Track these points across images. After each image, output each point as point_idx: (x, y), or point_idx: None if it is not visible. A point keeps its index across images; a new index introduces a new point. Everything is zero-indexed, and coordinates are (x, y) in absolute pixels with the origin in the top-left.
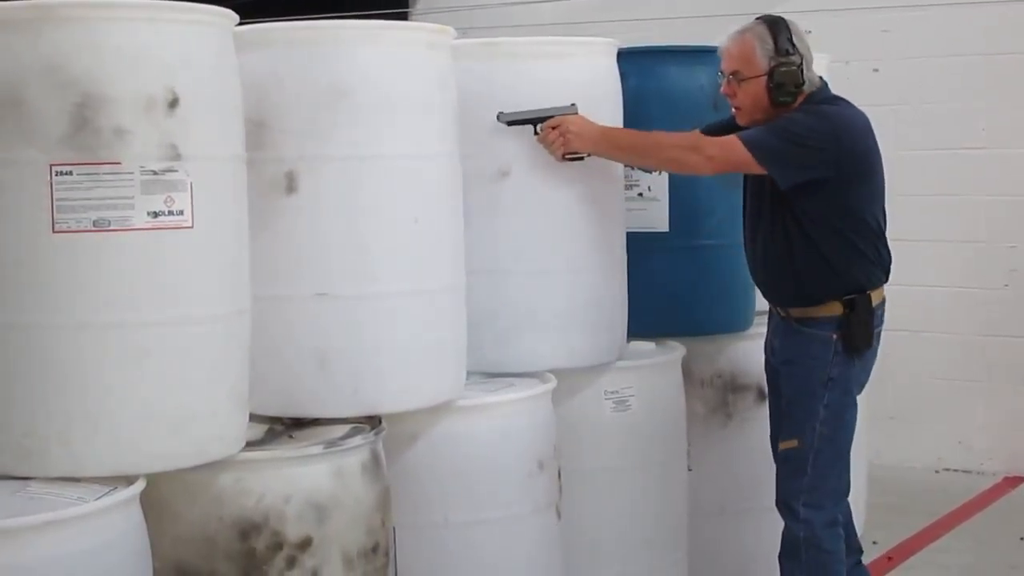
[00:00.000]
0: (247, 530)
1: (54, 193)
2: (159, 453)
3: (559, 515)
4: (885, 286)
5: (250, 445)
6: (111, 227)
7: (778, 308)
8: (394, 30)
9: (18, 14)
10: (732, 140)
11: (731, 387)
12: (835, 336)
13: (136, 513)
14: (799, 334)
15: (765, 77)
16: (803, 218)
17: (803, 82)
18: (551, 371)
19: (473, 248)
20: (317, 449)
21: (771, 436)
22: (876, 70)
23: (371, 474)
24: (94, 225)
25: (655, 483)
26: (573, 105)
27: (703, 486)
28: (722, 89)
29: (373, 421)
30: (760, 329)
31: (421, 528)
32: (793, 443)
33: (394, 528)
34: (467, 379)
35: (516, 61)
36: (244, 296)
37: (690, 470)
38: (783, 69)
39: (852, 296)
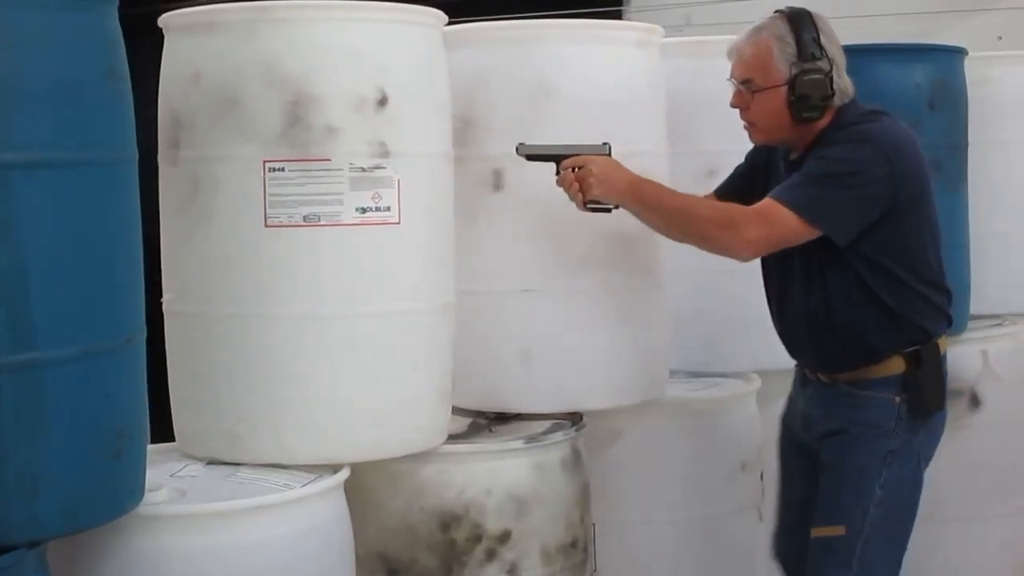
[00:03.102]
0: (448, 521)
1: (267, 188)
2: (364, 443)
3: (761, 518)
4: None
5: (453, 438)
6: (320, 222)
7: (820, 374)
8: (600, 28)
9: (236, 15)
10: (771, 209)
11: None
12: (898, 399)
13: (340, 501)
14: (851, 398)
15: (785, 88)
16: (854, 263)
17: (832, 93)
18: (756, 372)
19: (683, 246)
20: (518, 444)
21: (779, 527)
22: None
23: (571, 470)
24: (304, 220)
25: None
26: (605, 144)
27: None
28: (731, 101)
29: (575, 417)
30: (974, 334)
31: (621, 525)
32: (839, 529)
33: (593, 524)
34: (671, 377)
35: (724, 59)
36: (449, 290)
37: None
38: (808, 78)
39: (917, 347)
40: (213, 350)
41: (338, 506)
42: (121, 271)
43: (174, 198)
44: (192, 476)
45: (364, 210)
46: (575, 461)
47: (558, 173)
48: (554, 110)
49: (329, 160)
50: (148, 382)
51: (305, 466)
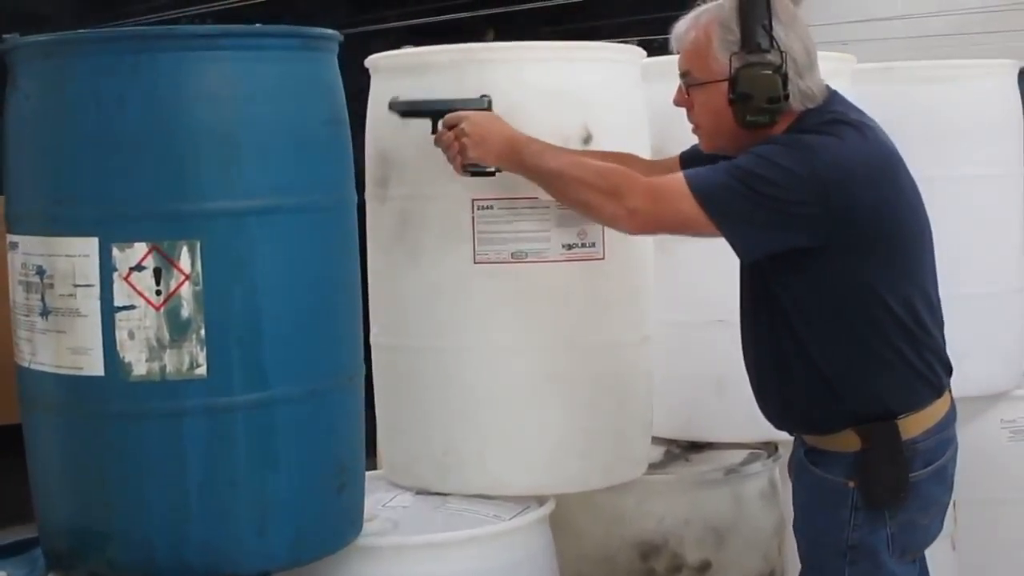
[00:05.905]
0: (648, 551)
1: (476, 226)
2: (568, 475)
3: (954, 547)
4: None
5: (650, 467)
6: (528, 258)
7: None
8: None
9: (442, 57)
10: (671, 183)
11: None
12: (851, 483)
13: (546, 532)
14: (808, 475)
15: (726, 84)
16: (785, 303)
17: (783, 95)
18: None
19: None
20: (718, 474)
21: None
22: None
23: (768, 501)
24: (512, 256)
25: None
26: (483, 98)
27: None
28: (673, 98)
29: (769, 447)
30: None
31: None
32: None
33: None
34: None
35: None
36: (649, 323)
37: None
38: (751, 72)
39: (870, 424)
40: (421, 383)
41: (545, 537)
42: (344, 311)
43: (382, 234)
44: (403, 506)
45: (570, 247)
46: (772, 492)
47: (435, 131)
48: None
49: (536, 198)
50: None
51: (511, 497)
